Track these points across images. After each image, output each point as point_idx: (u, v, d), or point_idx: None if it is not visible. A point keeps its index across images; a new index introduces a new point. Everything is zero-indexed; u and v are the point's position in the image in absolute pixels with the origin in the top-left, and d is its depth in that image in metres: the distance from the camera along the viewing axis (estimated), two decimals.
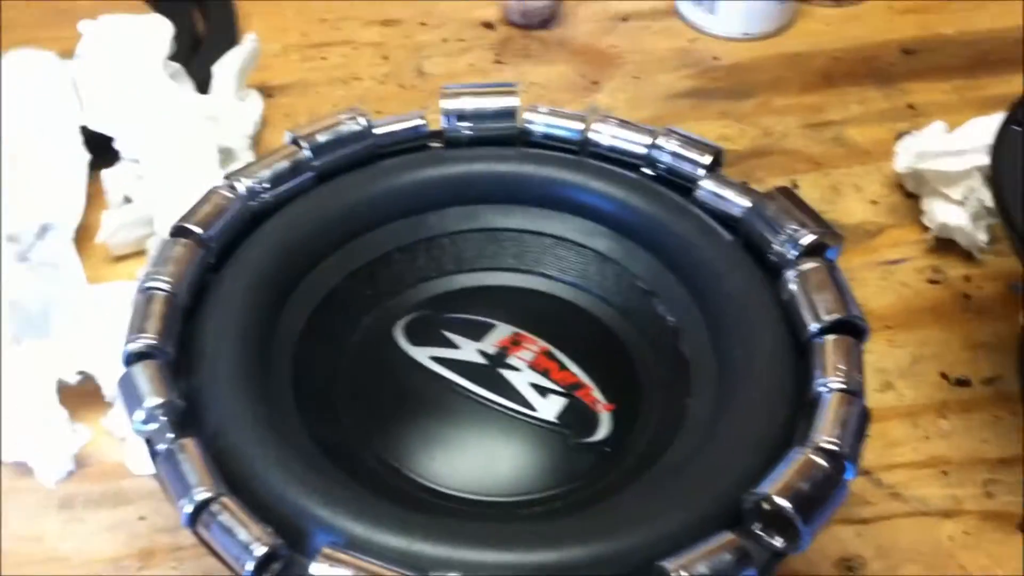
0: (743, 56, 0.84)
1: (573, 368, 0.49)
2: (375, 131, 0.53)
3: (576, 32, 0.85)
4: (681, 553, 0.39)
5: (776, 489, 0.40)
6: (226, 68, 0.72)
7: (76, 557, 0.54)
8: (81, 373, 0.59)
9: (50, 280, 0.62)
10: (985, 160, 0.67)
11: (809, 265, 0.48)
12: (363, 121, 0.53)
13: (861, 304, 0.47)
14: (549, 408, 0.48)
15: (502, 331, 0.50)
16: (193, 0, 0.83)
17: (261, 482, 0.41)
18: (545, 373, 0.49)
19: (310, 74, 0.81)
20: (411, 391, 0.49)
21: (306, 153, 0.52)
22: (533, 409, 0.48)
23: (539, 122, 0.54)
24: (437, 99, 0.55)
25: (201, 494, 0.40)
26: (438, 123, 0.55)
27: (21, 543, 0.55)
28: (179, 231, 0.48)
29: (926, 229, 0.71)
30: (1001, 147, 0.57)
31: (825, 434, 0.42)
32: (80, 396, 0.59)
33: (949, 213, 0.69)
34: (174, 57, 0.72)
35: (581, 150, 0.54)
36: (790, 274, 0.48)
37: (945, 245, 0.70)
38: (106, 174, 0.69)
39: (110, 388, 0.58)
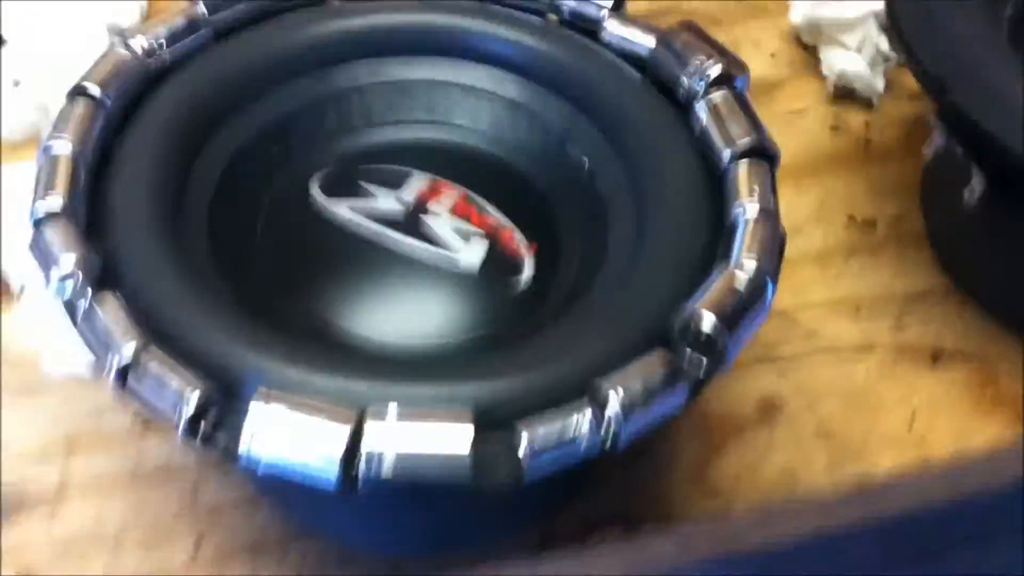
0: None
1: (493, 212, 0.49)
2: None
3: None
4: (614, 372, 0.39)
5: (702, 305, 0.41)
6: None
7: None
8: None
9: None
10: (878, 6, 0.69)
11: (718, 95, 0.48)
12: None
13: None
14: (472, 252, 0.48)
15: (419, 180, 0.50)
16: None
17: (188, 333, 0.40)
18: (466, 218, 0.49)
19: None
20: (332, 245, 0.48)
21: (201, 9, 0.50)
22: (456, 254, 0.47)
23: None
24: None
25: (128, 347, 0.39)
26: None
27: None
28: (78, 91, 0.47)
29: (824, 79, 0.71)
30: None
31: (745, 253, 0.42)
32: None
33: (846, 61, 0.70)
34: None
35: None
36: (699, 105, 0.48)
37: (844, 94, 0.71)
38: None
39: (17, 279, 0.56)
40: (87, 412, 0.54)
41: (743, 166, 0.46)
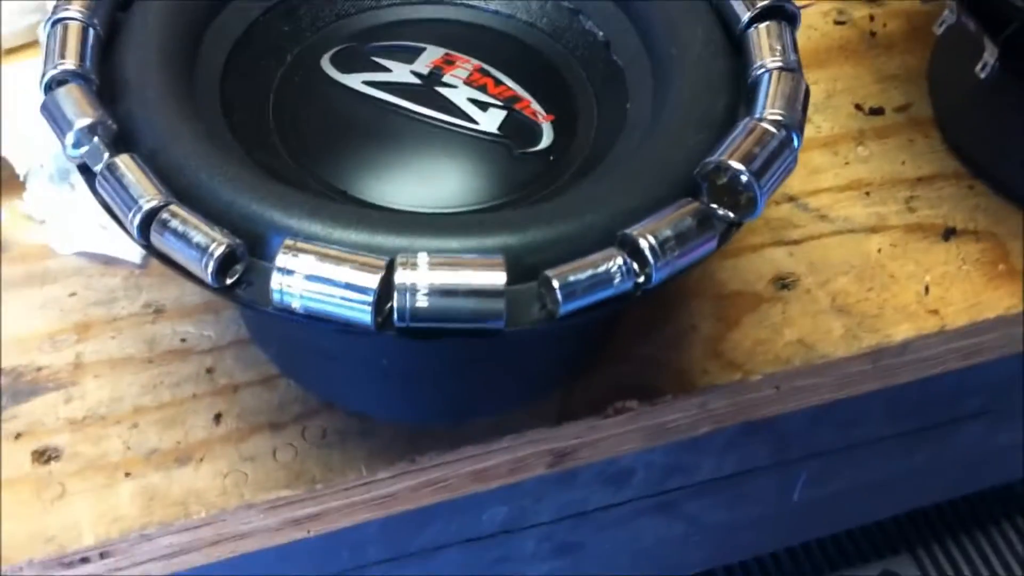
0: None
1: (509, 83, 0.49)
2: None
3: None
4: (645, 220, 0.39)
5: (729, 155, 0.40)
6: None
7: (6, 336, 0.52)
8: None
9: None
10: None
11: None
12: None
13: None
14: (490, 121, 0.47)
15: (433, 53, 0.49)
16: None
17: (210, 191, 0.40)
18: (482, 88, 0.48)
19: None
20: (349, 116, 0.47)
21: None
22: (474, 122, 0.47)
23: None
24: None
25: (149, 203, 0.39)
26: None
27: None
28: None
29: None
30: None
31: (770, 106, 0.42)
32: None
33: None
34: None
35: None
36: None
37: None
38: None
39: (21, 166, 0.56)
40: (97, 299, 0.53)
41: (763, 26, 0.45)
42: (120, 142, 0.41)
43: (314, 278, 0.36)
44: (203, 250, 0.38)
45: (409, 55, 0.49)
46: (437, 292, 0.36)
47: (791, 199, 0.60)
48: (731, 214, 0.41)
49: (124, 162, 0.40)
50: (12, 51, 0.63)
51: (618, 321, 0.51)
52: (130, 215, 0.39)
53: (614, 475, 0.58)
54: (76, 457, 0.49)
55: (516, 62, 0.50)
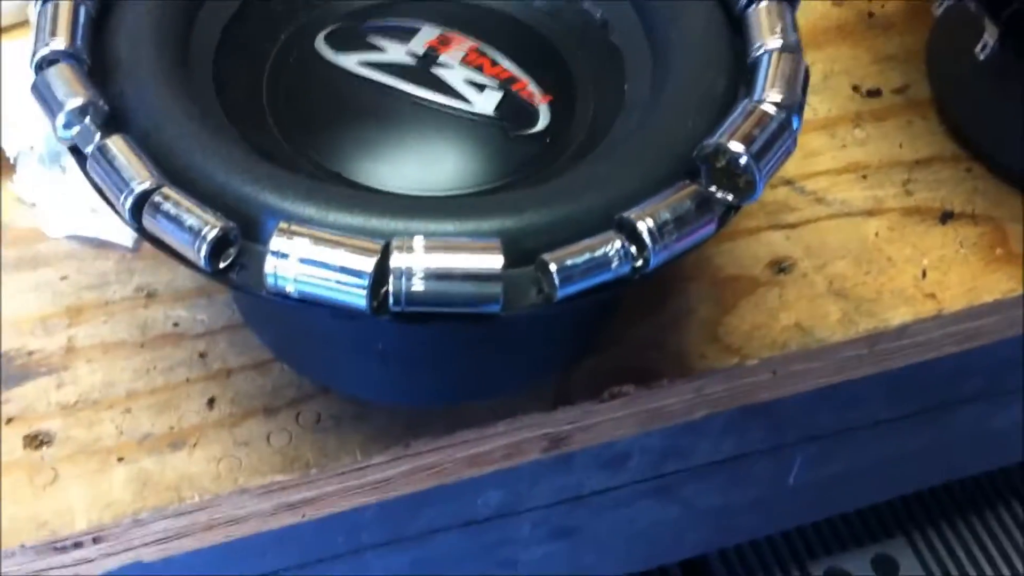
0: None
1: (506, 64, 0.48)
2: None
3: None
4: (643, 204, 0.38)
5: (728, 136, 0.40)
6: None
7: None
8: None
9: None
10: None
11: None
12: None
13: None
14: (486, 102, 0.47)
15: (428, 32, 0.49)
16: None
17: (203, 174, 0.39)
18: (478, 69, 0.48)
19: None
20: (343, 97, 0.47)
21: None
22: (470, 104, 0.47)
23: None
24: None
25: (141, 185, 0.38)
26: None
27: None
28: None
29: None
30: None
31: (769, 87, 0.42)
32: None
33: None
34: None
35: None
36: None
37: None
38: None
39: (11, 148, 0.55)
40: (89, 283, 0.53)
41: (763, 6, 0.45)
42: (112, 123, 0.41)
43: (309, 261, 0.36)
44: (196, 233, 0.37)
45: (405, 35, 0.49)
46: (433, 276, 0.36)
47: (788, 182, 0.59)
48: (730, 197, 0.40)
49: (116, 144, 0.40)
50: (3, 31, 0.63)
51: (616, 305, 0.51)
52: (122, 198, 0.38)
53: (610, 459, 0.58)
54: (69, 442, 0.49)
55: (513, 42, 0.49)
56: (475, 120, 0.46)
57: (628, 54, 0.48)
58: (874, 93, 0.63)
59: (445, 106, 0.46)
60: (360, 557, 0.57)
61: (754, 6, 0.45)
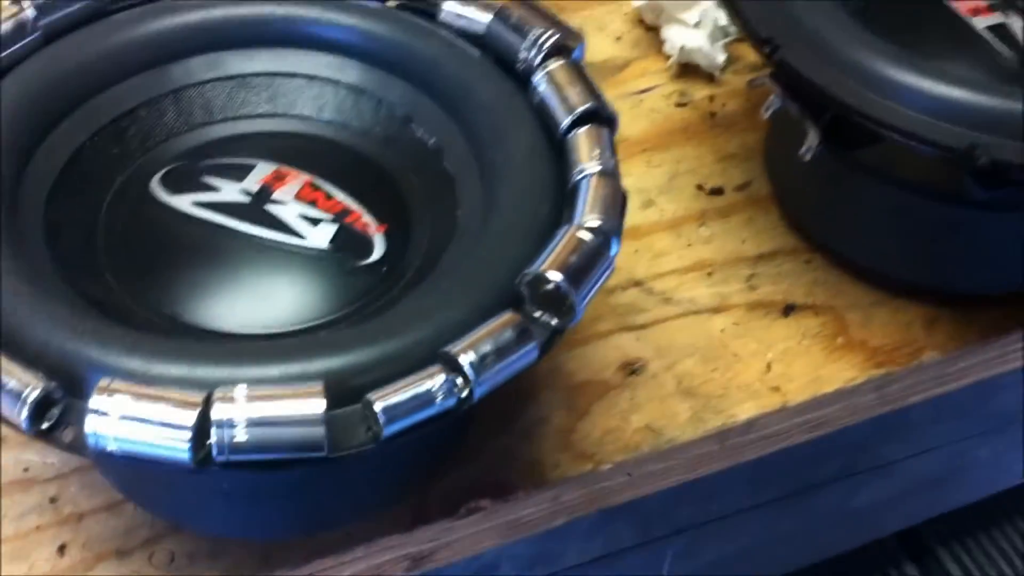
0: None
1: (340, 196, 0.49)
2: None
3: None
4: (464, 336, 0.39)
5: (548, 266, 0.41)
6: None
7: None
8: None
9: None
10: None
11: (555, 65, 0.49)
12: None
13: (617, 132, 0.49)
14: (321, 236, 0.47)
15: (263, 169, 0.50)
16: None
17: (25, 330, 0.39)
18: (312, 203, 0.49)
19: None
20: (177, 239, 0.47)
21: (30, 12, 0.49)
22: (305, 239, 0.47)
23: None
24: None
25: None
26: None
27: None
28: None
29: (668, 57, 0.73)
30: None
31: (588, 212, 0.43)
32: None
33: (687, 37, 0.72)
34: None
35: None
36: (538, 75, 0.49)
37: (687, 70, 0.73)
38: None
39: None
40: None
41: (582, 131, 0.47)
42: None
43: (129, 418, 0.36)
44: (16, 396, 0.37)
45: (240, 172, 0.50)
46: (255, 424, 0.36)
47: (637, 283, 0.61)
48: (553, 321, 0.41)
49: None
50: None
51: (465, 423, 0.51)
52: None
53: (477, 571, 0.58)
54: None
55: (348, 173, 0.50)
56: (310, 255, 0.47)
57: (460, 180, 0.49)
58: (717, 191, 0.66)
59: (279, 243, 0.47)
60: None
61: (574, 131, 0.47)
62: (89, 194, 0.48)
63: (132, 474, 0.48)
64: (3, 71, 0.49)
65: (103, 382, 0.37)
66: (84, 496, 0.50)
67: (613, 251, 0.43)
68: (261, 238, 0.47)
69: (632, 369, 0.57)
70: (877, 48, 0.54)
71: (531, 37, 0.50)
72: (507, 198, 0.46)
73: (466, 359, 0.39)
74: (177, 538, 0.49)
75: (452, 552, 0.53)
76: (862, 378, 0.57)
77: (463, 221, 0.48)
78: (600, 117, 0.47)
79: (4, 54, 0.49)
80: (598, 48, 0.75)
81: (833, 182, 0.58)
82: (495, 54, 0.51)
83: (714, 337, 0.58)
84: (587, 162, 0.45)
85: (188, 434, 0.36)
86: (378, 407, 0.38)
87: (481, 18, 0.52)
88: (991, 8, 0.59)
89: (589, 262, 0.42)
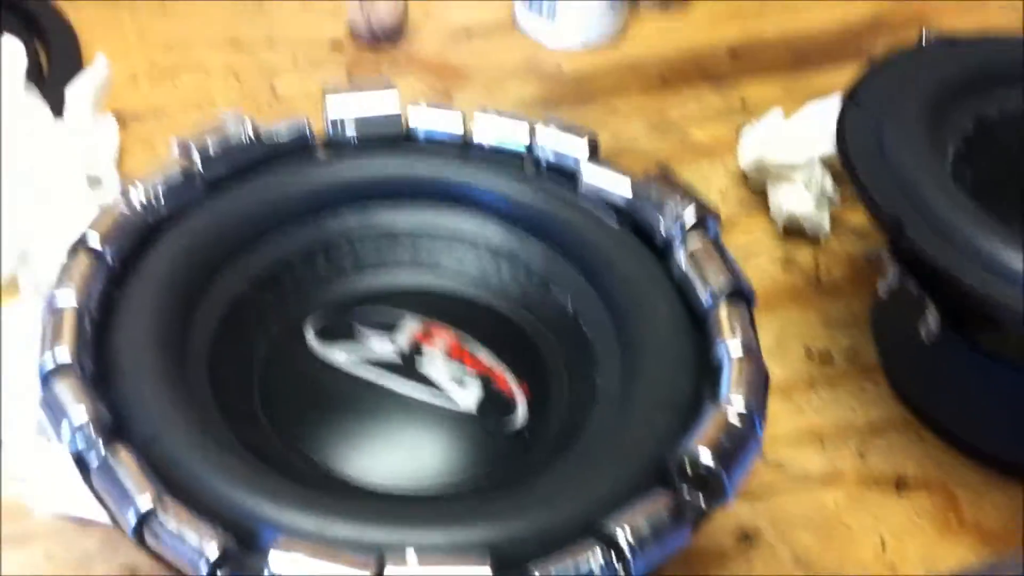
0: (584, 64, 0.87)
1: (484, 356, 0.51)
2: (261, 137, 0.54)
3: (424, 48, 0.87)
4: (620, 512, 0.41)
5: (699, 443, 0.42)
6: (79, 92, 0.71)
7: None
8: None
9: None
10: (823, 149, 0.73)
11: (696, 242, 0.51)
12: (249, 126, 0.53)
13: None
14: (469, 397, 0.49)
15: (412, 322, 0.52)
16: (31, 30, 0.80)
17: (203, 486, 0.41)
18: (459, 361, 0.50)
19: (162, 100, 0.79)
20: (331, 392, 0.49)
21: (196, 161, 0.52)
22: (453, 400, 0.49)
23: (423, 120, 0.56)
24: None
25: (145, 502, 0.40)
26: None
27: None
28: (80, 244, 0.48)
29: (772, 218, 0.75)
30: (844, 123, 0.61)
31: (733, 391, 0.45)
32: None
33: (794, 201, 0.74)
34: None
35: (466, 146, 0.56)
36: (680, 252, 0.51)
37: (792, 232, 0.74)
38: None
39: (7, 423, 0.56)
40: (73, 561, 0.54)
41: (723, 307, 0.48)
42: (115, 430, 0.43)
43: None
44: (197, 552, 0.39)
45: (390, 322, 0.52)
46: None
47: None
48: (702, 502, 0.43)
49: (119, 456, 0.41)
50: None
51: None
52: (126, 514, 0.40)
53: None
54: None
55: (491, 331, 0.52)
56: (458, 416, 0.49)
57: (598, 346, 0.51)
58: (825, 356, 0.67)
59: (429, 403, 0.49)
60: None
61: (715, 307, 0.48)
62: (247, 342, 0.50)
63: None
64: (169, 218, 0.51)
65: (282, 540, 0.38)
66: None
67: (759, 431, 0.44)
68: (412, 396, 0.49)
69: (747, 537, 0.57)
70: (1002, 235, 0.55)
71: (671, 212, 0.52)
72: (650, 369, 0.47)
73: (623, 537, 0.40)
74: None
75: None
76: (976, 560, 0.57)
77: (602, 387, 0.49)
78: (740, 294, 0.49)
79: (171, 200, 0.51)
80: None
81: (951, 363, 0.59)
82: (633, 222, 0.53)
83: (827, 509, 0.59)
84: (729, 339, 0.47)
85: None
86: None
87: (621, 189, 0.54)
88: None
89: (739, 444, 0.43)
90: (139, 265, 0.49)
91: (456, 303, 0.54)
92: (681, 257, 0.51)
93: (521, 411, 0.49)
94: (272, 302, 0.52)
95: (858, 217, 0.75)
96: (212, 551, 0.39)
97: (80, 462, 0.42)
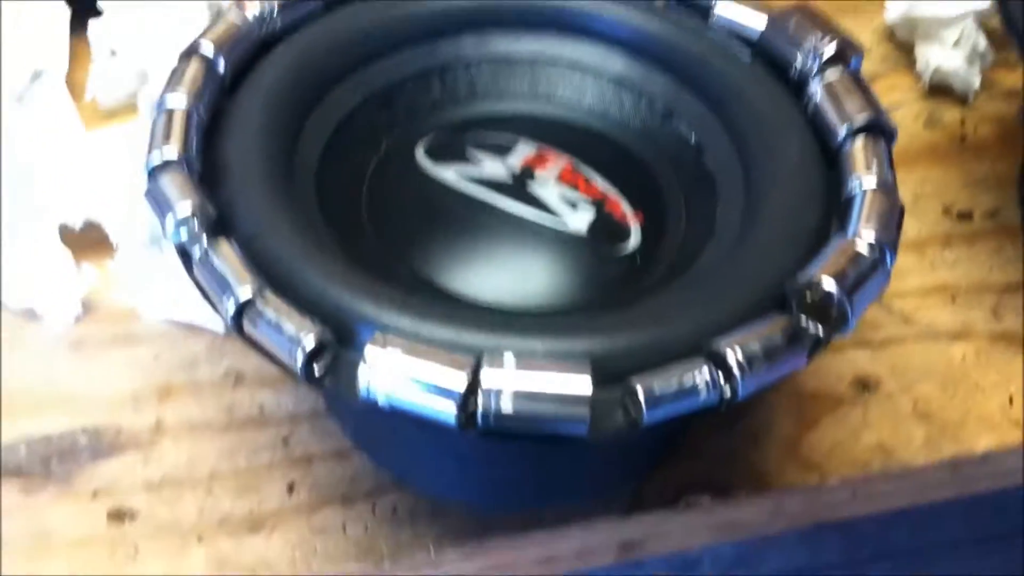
0: None
1: (599, 182, 0.49)
2: None
3: None
4: (733, 332, 0.39)
5: (822, 271, 0.40)
6: None
7: (90, 396, 0.53)
8: (84, 219, 0.57)
9: (46, 127, 0.60)
10: (978, 4, 0.68)
11: (834, 74, 0.48)
12: None
13: None
14: (580, 220, 0.48)
15: (525, 148, 0.50)
16: None
17: (302, 281, 0.40)
18: (573, 186, 0.49)
19: None
20: (439, 208, 0.48)
21: None
22: (565, 221, 0.47)
23: None
24: None
25: (244, 291, 0.40)
26: None
27: (32, 384, 0.54)
28: (191, 53, 0.47)
29: (919, 77, 0.71)
30: None
31: (864, 224, 0.42)
32: (84, 243, 0.58)
33: (943, 57, 0.70)
34: None
35: None
36: (815, 83, 0.48)
37: (938, 91, 0.70)
38: (92, 27, 0.66)
39: (115, 232, 0.57)
40: (180, 363, 0.55)
41: (859, 142, 0.46)
42: (219, 227, 0.42)
43: (401, 374, 0.37)
44: (294, 341, 0.38)
45: (502, 149, 0.50)
46: (522, 396, 0.37)
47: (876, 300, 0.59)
48: (820, 330, 0.41)
49: (221, 249, 0.41)
50: (109, 114, 0.65)
51: (696, 421, 0.51)
52: (225, 303, 0.40)
53: (680, 564, 0.58)
54: (151, 519, 0.50)
55: (607, 161, 0.50)
56: (567, 238, 0.47)
57: (721, 179, 0.48)
58: (966, 216, 0.63)
59: (539, 219, 0.47)
60: None
61: (851, 142, 0.46)
62: (357, 157, 0.49)
63: (366, 428, 0.49)
64: (283, 33, 0.50)
65: (378, 336, 0.38)
66: (314, 440, 0.51)
67: (889, 265, 0.42)
68: (522, 216, 0.48)
69: (866, 385, 0.55)
70: None
71: (808, 43, 0.49)
72: (776, 204, 0.45)
73: (733, 356, 0.38)
74: (399, 493, 0.50)
75: (663, 543, 0.52)
76: None
77: (721, 221, 0.47)
78: (879, 129, 0.46)
79: (285, 15, 0.50)
80: None
81: None
82: (767, 57, 0.50)
83: (954, 364, 0.56)
84: (863, 173, 0.44)
85: (457, 395, 0.37)
86: (641, 393, 0.38)
87: (756, 22, 0.51)
88: None
89: (865, 273, 0.41)
90: (251, 76, 0.48)
91: (572, 131, 0.52)
92: (817, 89, 0.48)
93: (635, 238, 0.47)
94: (384, 121, 0.51)
95: (1012, 78, 0.71)
96: (309, 341, 0.38)
97: (183, 254, 0.42)
